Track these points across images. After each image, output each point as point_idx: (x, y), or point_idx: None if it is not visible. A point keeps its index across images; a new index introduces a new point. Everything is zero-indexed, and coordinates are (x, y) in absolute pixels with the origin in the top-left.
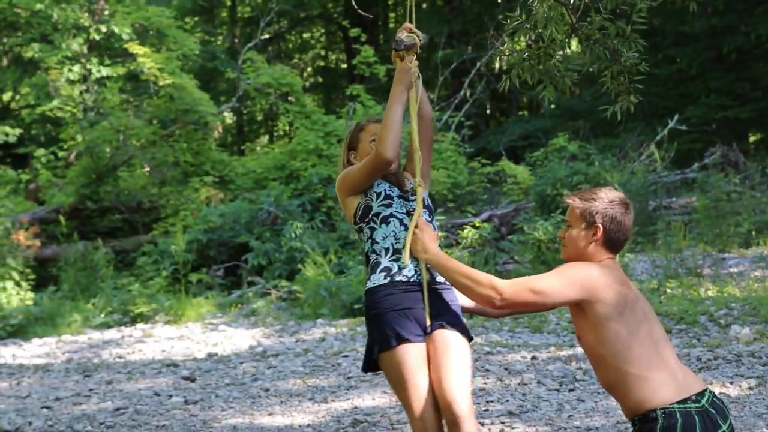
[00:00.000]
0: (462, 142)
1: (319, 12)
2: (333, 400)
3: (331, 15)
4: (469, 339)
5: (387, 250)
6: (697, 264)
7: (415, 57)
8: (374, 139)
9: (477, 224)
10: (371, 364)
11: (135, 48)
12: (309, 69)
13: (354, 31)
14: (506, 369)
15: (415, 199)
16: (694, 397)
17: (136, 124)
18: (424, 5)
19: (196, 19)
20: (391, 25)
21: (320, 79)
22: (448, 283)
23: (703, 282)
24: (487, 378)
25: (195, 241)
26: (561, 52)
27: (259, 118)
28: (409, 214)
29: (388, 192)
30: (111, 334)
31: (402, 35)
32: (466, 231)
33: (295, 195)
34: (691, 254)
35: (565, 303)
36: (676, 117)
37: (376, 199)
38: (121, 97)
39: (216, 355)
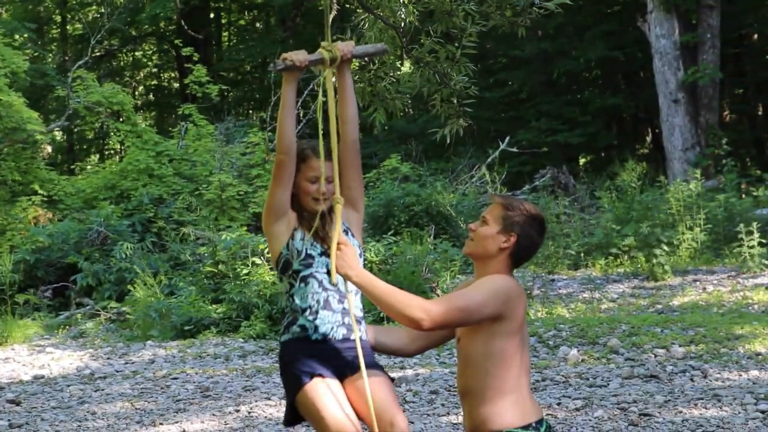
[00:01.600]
0: None
1: (151, 30)
2: (161, 423)
3: (163, 33)
4: (391, 380)
5: (305, 309)
6: (526, 285)
7: (327, 71)
8: (315, 180)
9: None
10: (292, 412)
11: None
12: (141, 88)
13: (186, 51)
14: None
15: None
16: (534, 424)
17: None
18: (258, 24)
19: (25, 35)
20: (225, 45)
21: (152, 98)
22: (362, 335)
23: (532, 303)
24: None
25: (22, 261)
26: (392, 74)
27: (90, 136)
28: (329, 273)
29: (309, 251)
30: None
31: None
32: None
33: (125, 215)
34: (521, 276)
35: (487, 318)
36: (507, 140)
37: (297, 257)
38: None
39: (42, 377)
